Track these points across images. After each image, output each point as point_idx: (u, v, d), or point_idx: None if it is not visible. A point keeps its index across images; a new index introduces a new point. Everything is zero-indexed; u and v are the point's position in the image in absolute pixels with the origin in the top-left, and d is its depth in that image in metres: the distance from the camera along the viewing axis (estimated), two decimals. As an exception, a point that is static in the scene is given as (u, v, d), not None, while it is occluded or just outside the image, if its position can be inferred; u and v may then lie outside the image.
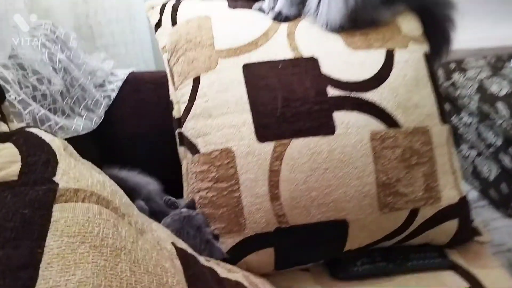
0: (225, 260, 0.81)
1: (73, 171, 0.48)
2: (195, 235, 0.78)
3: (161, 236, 0.56)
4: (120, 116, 1.05)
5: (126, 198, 0.55)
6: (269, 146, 0.80)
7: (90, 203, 0.45)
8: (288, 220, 0.79)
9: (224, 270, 0.69)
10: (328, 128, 0.81)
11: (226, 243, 0.81)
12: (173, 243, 0.57)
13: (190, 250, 0.61)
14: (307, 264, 0.90)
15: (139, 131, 1.04)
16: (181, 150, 0.91)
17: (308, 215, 0.80)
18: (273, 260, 0.83)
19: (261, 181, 0.79)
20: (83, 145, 0.98)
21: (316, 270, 0.92)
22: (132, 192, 0.94)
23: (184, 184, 0.90)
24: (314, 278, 0.90)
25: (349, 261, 0.91)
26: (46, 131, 0.55)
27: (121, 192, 0.56)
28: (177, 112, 0.92)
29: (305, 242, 0.82)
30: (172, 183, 0.95)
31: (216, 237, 0.81)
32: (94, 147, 1.02)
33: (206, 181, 0.82)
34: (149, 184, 0.95)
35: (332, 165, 0.80)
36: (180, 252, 0.56)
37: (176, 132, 0.92)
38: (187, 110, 0.88)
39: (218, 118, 0.84)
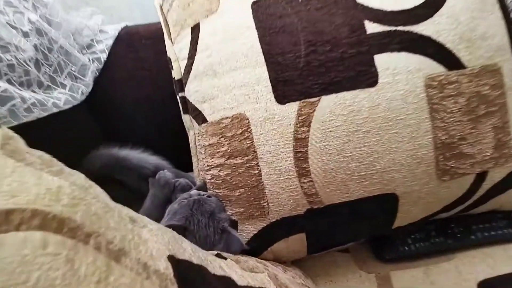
0: (246, 251, 0.67)
1: (8, 180, 0.33)
2: (207, 224, 0.64)
3: (153, 250, 0.41)
4: (115, 81, 0.89)
5: (102, 202, 0.41)
6: (292, 108, 0.62)
7: (29, 230, 0.30)
8: (321, 200, 0.63)
9: (244, 273, 0.55)
10: (368, 78, 0.62)
11: (246, 231, 0.67)
12: (170, 257, 0.42)
13: (196, 259, 0.46)
14: (345, 245, 0.75)
15: (139, 97, 0.88)
16: (186, 118, 0.75)
17: (347, 192, 0.63)
18: (305, 245, 0.68)
19: (285, 153, 0.62)
20: (77, 120, 0.85)
21: (357, 250, 0.78)
22: (136, 171, 0.81)
23: (193, 160, 0.75)
24: (356, 260, 0.76)
25: (397, 239, 0.76)
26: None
27: (96, 193, 0.41)
28: (177, 72, 0.74)
29: (344, 223, 0.67)
30: (182, 158, 0.80)
31: (234, 224, 0.67)
32: (91, 121, 0.87)
33: (217, 156, 0.66)
34: (154, 161, 0.82)
35: (376, 125, 0.61)
36: (180, 269, 0.41)
37: (179, 96, 0.75)
38: (188, 68, 0.71)
39: (225, 76, 0.66)
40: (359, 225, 0.68)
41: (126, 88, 0.87)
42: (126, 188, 0.77)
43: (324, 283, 0.72)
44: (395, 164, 0.63)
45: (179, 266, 0.42)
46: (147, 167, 0.80)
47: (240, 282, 0.51)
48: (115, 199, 0.75)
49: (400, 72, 0.62)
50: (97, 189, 0.43)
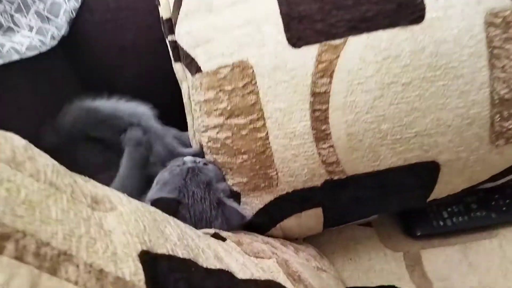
0: (251, 227, 0.56)
1: None
2: (203, 196, 0.52)
3: (118, 247, 0.30)
4: (95, 24, 0.74)
5: (43, 182, 0.29)
6: (309, 53, 0.48)
7: None
8: (343, 169, 0.51)
9: (247, 259, 0.44)
10: (412, 12, 0.47)
11: (250, 205, 0.55)
12: (144, 254, 0.31)
13: (182, 251, 0.35)
14: (368, 218, 0.64)
15: (123, 43, 0.74)
16: (178, 68, 0.61)
17: (376, 160, 0.51)
18: (322, 221, 0.57)
19: (299, 111, 0.49)
20: (51, 71, 0.72)
21: (382, 224, 0.67)
22: (111, 125, 0.67)
23: (188, 118, 0.62)
24: (380, 235, 0.65)
25: (431, 212, 0.64)
26: None
27: (35, 169, 0.30)
28: (165, 8, 0.60)
29: (370, 197, 0.55)
30: (178, 115, 0.68)
31: (236, 196, 0.55)
32: (69, 73, 0.74)
33: (215, 115, 0.53)
34: (129, 109, 0.67)
35: (418, 76, 0.47)
36: (156, 271, 0.30)
37: (168, 41, 0.61)
38: (178, 3, 0.56)
39: (223, 12, 0.52)
40: (387, 199, 0.56)
41: (108, 32, 0.73)
42: (107, 148, 0.65)
43: (342, 262, 0.62)
44: (439, 125, 0.49)
45: (156, 265, 0.31)
46: (121, 118, 0.66)
47: (241, 274, 0.40)
48: (91, 163, 0.64)
49: (454, 5, 0.47)
50: (39, 162, 0.31)
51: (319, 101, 0.48)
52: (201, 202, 0.52)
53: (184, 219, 0.48)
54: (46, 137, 0.63)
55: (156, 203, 0.49)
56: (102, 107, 0.64)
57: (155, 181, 0.56)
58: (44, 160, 0.32)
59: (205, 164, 0.56)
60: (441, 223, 0.63)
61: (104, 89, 0.75)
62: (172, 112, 0.74)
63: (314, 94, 0.48)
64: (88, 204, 0.32)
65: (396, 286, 0.58)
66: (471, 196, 0.64)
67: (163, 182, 0.55)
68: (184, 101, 0.62)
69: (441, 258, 0.61)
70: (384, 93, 0.48)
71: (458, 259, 0.60)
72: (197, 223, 0.52)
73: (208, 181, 0.53)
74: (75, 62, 0.74)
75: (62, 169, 0.34)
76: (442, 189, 0.56)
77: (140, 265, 0.30)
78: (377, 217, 0.64)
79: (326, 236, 0.65)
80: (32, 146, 0.33)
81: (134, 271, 0.29)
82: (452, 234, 0.63)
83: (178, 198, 0.53)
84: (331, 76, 0.48)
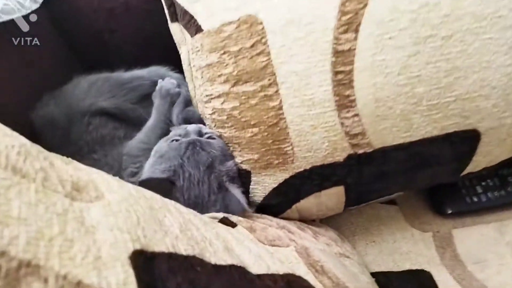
0: (264, 209, 0.50)
1: None
2: (201, 179, 0.46)
3: (102, 248, 0.23)
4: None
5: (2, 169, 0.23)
6: (330, 1, 0.40)
7: None
8: (369, 141, 0.44)
9: (261, 248, 0.38)
10: None
11: (262, 184, 0.49)
12: (136, 254, 0.25)
13: (185, 246, 0.29)
14: (391, 195, 0.57)
15: (113, 5, 0.65)
16: (175, 29, 0.53)
17: (408, 130, 0.44)
18: (343, 201, 0.51)
19: (319, 74, 0.42)
20: (37, 36, 0.63)
21: (407, 201, 0.60)
22: (138, 86, 0.63)
23: (190, 88, 0.55)
24: (406, 214, 0.59)
25: (463, 187, 0.58)
26: None
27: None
28: (157, -40, 0.51)
29: (398, 172, 0.48)
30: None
31: (246, 174, 0.49)
32: (57, 40, 0.66)
33: (219, 82, 0.46)
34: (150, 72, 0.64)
35: (461, 28, 0.39)
36: (152, 276, 0.24)
37: (162, -2, 0.53)
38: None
39: (226, -42, 0.43)
40: (417, 174, 0.49)
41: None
42: (122, 121, 0.60)
43: (364, 245, 0.56)
44: (483, 87, 0.42)
45: (152, 269, 0.25)
46: (143, 77, 0.63)
47: (255, 268, 0.34)
48: (96, 137, 0.58)
49: None
50: (0, 143, 0.24)
51: (343, 61, 0.41)
52: (198, 185, 0.46)
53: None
54: (43, 109, 0.57)
55: (145, 184, 0.43)
56: (121, 74, 0.62)
57: (153, 151, 0.50)
58: (9, 140, 0.26)
59: (210, 138, 0.49)
60: (475, 199, 0.56)
61: (94, 56, 0.68)
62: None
63: (336, 52, 0.40)
64: (66, 193, 0.26)
65: (425, 270, 0.52)
66: (507, 168, 0.57)
67: (160, 155, 0.49)
68: (183, 68, 0.54)
69: (475, 238, 0.54)
70: (420, 49, 0.40)
71: (493, 238, 0.54)
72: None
73: (210, 163, 0.47)
74: (61, 26, 0.66)
75: (34, 150, 0.27)
76: (479, 162, 0.50)
77: (131, 271, 0.23)
78: (402, 193, 0.58)
79: (345, 217, 0.59)
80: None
81: (123, 280, 0.23)
82: (487, 210, 0.56)
83: (172, 179, 0.46)
84: (356, 30, 0.40)
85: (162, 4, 0.59)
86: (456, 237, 0.55)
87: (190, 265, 0.28)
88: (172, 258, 0.27)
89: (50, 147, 0.29)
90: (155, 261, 0.26)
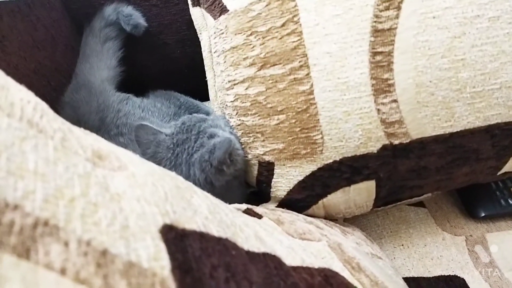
0: (287, 204, 0.46)
1: None
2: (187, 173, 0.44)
3: (130, 217, 0.20)
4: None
5: (18, 130, 0.20)
6: (371, -23, 0.37)
7: None
8: (407, 131, 0.41)
9: (292, 241, 0.34)
10: None
11: (287, 177, 0.45)
12: (167, 229, 0.21)
13: (217, 227, 0.26)
14: (422, 196, 0.54)
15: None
16: (196, 14, 0.51)
17: (449, 119, 0.40)
18: (373, 198, 0.47)
19: (355, 55, 0.39)
20: (47, 18, 0.60)
21: (437, 204, 0.57)
22: None
23: (208, 77, 0.52)
24: (436, 217, 0.55)
25: (497, 189, 0.54)
26: None
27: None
28: None
29: (434, 167, 0.45)
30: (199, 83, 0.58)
31: (269, 166, 0.45)
32: (71, 28, 0.64)
33: (244, 66, 0.43)
34: None
35: (509, 7, 0.37)
36: (185, 254, 0.21)
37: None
38: None
39: None
40: (454, 171, 0.46)
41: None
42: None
43: (392, 249, 0.52)
44: (532, 74, 0.39)
45: (185, 246, 0.22)
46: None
47: (289, 260, 0.30)
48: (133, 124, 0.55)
49: None
50: (14, 95, 0.21)
51: (382, 41, 0.38)
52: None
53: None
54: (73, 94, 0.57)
55: (141, 128, 0.46)
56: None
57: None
58: (24, 95, 0.22)
59: (216, 118, 0.46)
60: (510, 201, 0.53)
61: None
62: (187, 75, 0.65)
63: (376, 31, 0.38)
64: (88, 158, 0.22)
65: (458, 276, 0.48)
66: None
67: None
68: (203, 56, 0.52)
69: (510, 243, 0.51)
70: (466, 30, 0.37)
71: (531, 245, 0.50)
72: (178, 156, 0.45)
73: (208, 155, 0.44)
74: (75, 14, 0.63)
75: (51, 112, 0.24)
76: (520, 159, 0.46)
77: (163, 245, 0.20)
78: (431, 195, 0.54)
79: (371, 219, 0.55)
80: (4, 74, 0.23)
81: (154, 254, 0.19)
82: (523, 214, 0.53)
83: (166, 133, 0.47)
84: (399, 8, 0.37)
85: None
86: (490, 242, 0.51)
87: (224, 247, 0.24)
88: (204, 238, 0.24)
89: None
90: (187, 239, 0.22)
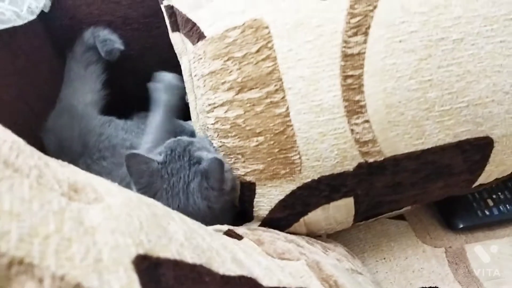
0: (269, 223, 0.47)
1: None
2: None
3: (103, 251, 0.21)
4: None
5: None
6: (339, 3, 0.39)
7: None
8: (380, 149, 0.42)
9: (271, 262, 0.35)
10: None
11: (268, 196, 0.46)
12: (140, 259, 0.22)
13: (191, 254, 0.26)
14: (401, 209, 0.55)
15: (113, 18, 0.64)
16: (176, 39, 0.52)
17: (420, 137, 0.42)
18: (352, 214, 0.48)
19: (327, 79, 0.40)
20: (30, 48, 0.61)
21: (417, 216, 0.58)
22: None
23: (190, 99, 0.53)
24: (416, 230, 0.57)
25: (474, 201, 0.56)
26: None
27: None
28: (159, -30, 0.51)
29: (409, 183, 0.46)
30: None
31: (250, 186, 0.47)
32: (49, 49, 0.65)
33: (223, 90, 0.45)
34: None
35: (473, 30, 0.39)
36: (154, 284, 0.22)
37: (163, 6, 0.52)
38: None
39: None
40: (429, 185, 0.47)
41: (96, 7, 0.64)
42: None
43: (374, 262, 0.53)
44: (496, 92, 0.41)
45: (157, 275, 0.22)
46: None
47: (266, 281, 0.31)
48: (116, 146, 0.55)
49: None
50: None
51: (352, 65, 0.39)
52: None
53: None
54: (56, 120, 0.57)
55: (132, 157, 0.45)
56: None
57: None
58: (1, 135, 0.23)
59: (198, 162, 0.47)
60: (487, 212, 0.54)
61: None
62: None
63: (345, 56, 0.39)
64: (63, 193, 0.23)
65: (439, 287, 0.50)
66: (518, 180, 0.56)
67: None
68: (184, 79, 0.53)
69: (489, 253, 0.52)
70: (432, 52, 0.39)
71: (508, 254, 0.52)
72: (174, 186, 0.45)
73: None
74: (58, 38, 0.64)
75: (28, 148, 0.25)
76: (491, 172, 0.48)
77: (135, 276, 0.21)
78: (410, 208, 0.55)
79: (353, 233, 0.56)
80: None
81: (127, 285, 0.20)
82: (499, 225, 0.55)
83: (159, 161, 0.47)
84: (366, 33, 0.39)
85: (160, 18, 0.59)
86: (470, 253, 0.52)
87: (197, 274, 0.25)
88: (178, 265, 0.24)
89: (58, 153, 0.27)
90: (160, 267, 0.23)
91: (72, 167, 0.28)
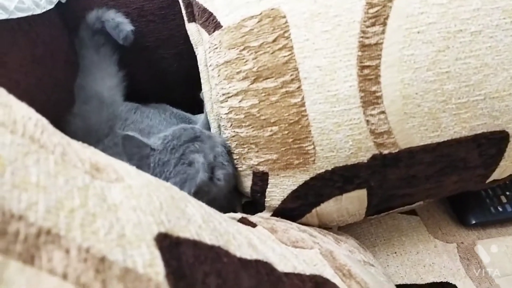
0: (281, 213, 0.48)
1: None
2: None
3: (126, 227, 0.21)
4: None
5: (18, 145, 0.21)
6: (357, -6, 0.39)
7: None
8: (396, 141, 0.42)
9: (285, 249, 0.35)
10: None
11: (281, 186, 0.47)
12: (161, 237, 0.22)
13: (209, 235, 0.27)
14: (414, 204, 0.55)
15: (129, 10, 0.65)
16: (192, 29, 0.52)
17: (436, 129, 0.42)
18: (365, 207, 0.48)
19: (344, 69, 0.40)
20: (46, 36, 0.62)
21: (429, 211, 0.58)
22: None
23: (204, 89, 0.53)
24: (428, 225, 0.56)
25: (487, 197, 0.55)
26: None
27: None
28: (176, -39, 0.51)
29: (424, 176, 0.46)
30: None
31: (263, 176, 0.47)
32: (65, 39, 0.65)
33: (238, 79, 0.45)
34: None
35: (491, 23, 0.39)
36: (179, 260, 0.22)
37: (180, -2, 0.53)
38: (192, -49, 0.48)
39: (248, -46, 0.43)
40: (443, 180, 0.47)
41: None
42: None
43: (385, 256, 0.53)
44: (513, 84, 0.40)
45: (179, 253, 0.23)
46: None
47: (281, 266, 0.31)
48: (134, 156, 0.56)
49: None
50: (16, 112, 0.22)
51: (369, 55, 0.39)
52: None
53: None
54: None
55: (128, 139, 0.46)
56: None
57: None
58: (26, 112, 0.24)
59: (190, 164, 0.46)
60: (500, 208, 0.54)
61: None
62: (184, 88, 0.66)
63: (363, 46, 0.39)
64: (86, 170, 0.24)
65: (450, 282, 0.49)
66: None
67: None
68: (200, 69, 0.53)
69: (501, 249, 0.52)
70: (450, 44, 0.39)
71: (521, 251, 0.51)
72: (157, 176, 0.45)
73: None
74: (73, 30, 0.65)
75: (51, 127, 0.25)
76: (506, 167, 0.47)
77: (157, 252, 0.21)
78: (423, 203, 0.55)
79: (364, 227, 0.56)
80: (7, 93, 0.24)
81: (149, 261, 0.20)
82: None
83: (153, 147, 0.47)
84: (384, 24, 0.39)
85: (175, 9, 0.59)
86: (481, 249, 0.52)
87: (216, 254, 0.26)
88: (197, 246, 0.25)
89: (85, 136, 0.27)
90: (181, 246, 0.23)
91: (92, 149, 0.29)
